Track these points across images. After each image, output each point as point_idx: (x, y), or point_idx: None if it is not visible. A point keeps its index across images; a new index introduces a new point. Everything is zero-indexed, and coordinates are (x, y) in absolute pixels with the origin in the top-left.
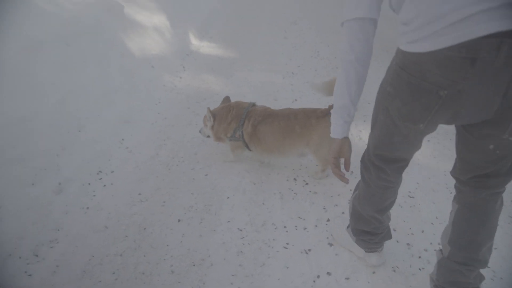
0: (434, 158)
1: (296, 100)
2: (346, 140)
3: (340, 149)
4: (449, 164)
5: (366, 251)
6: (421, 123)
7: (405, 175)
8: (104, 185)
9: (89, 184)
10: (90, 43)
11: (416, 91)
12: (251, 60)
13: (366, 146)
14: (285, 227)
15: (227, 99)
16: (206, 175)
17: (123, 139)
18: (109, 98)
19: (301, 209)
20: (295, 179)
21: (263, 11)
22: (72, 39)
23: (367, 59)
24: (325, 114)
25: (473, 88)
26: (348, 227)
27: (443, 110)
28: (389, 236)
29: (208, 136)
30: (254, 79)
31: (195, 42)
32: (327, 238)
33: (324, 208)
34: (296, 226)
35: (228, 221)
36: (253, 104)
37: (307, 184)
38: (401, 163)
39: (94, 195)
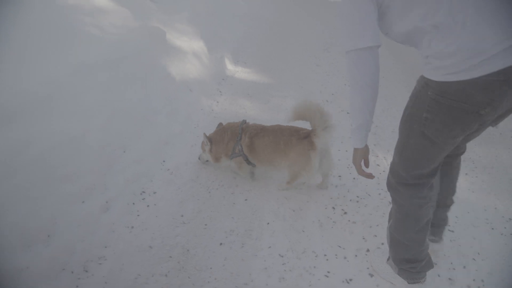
0: (472, 193)
1: None
2: (366, 146)
3: (364, 154)
4: (489, 200)
5: (409, 282)
6: (461, 137)
7: None
8: (148, 206)
9: (133, 203)
10: (133, 67)
11: (457, 113)
12: (285, 86)
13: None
14: (325, 255)
15: (220, 125)
16: (246, 200)
17: (164, 161)
18: (150, 120)
19: (340, 238)
20: (333, 208)
21: (295, 37)
22: (117, 63)
23: (377, 80)
24: (306, 136)
25: (507, 101)
26: (388, 259)
27: (477, 122)
28: (430, 265)
29: (207, 161)
30: (289, 105)
31: (230, 67)
32: (368, 268)
33: (364, 238)
34: (336, 255)
35: (269, 247)
36: (245, 121)
37: (345, 213)
38: (436, 171)
39: (138, 215)
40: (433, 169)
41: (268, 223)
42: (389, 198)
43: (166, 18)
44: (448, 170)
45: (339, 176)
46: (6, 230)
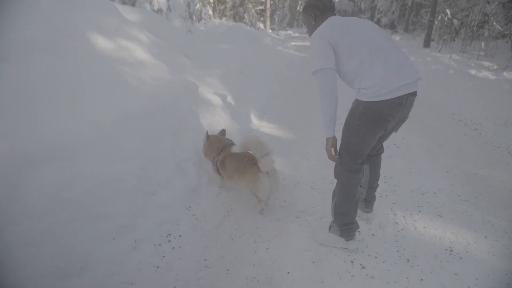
0: (493, 256)
1: None
2: (335, 137)
3: (334, 143)
4: (510, 264)
5: (346, 240)
6: (379, 135)
7: (461, 269)
8: (173, 248)
9: (159, 245)
10: (169, 117)
11: (376, 120)
12: (307, 144)
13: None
14: None
15: (223, 131)
16: (267, 249)
17: (190, 207)
18: (180, 167)
19: None
20: (352, 262)
21: (317, 97)
22: (155, 113)
23: (337, 91)
24: (255, 163)
25: (400, 114)
26: (330, 228)
27: (386, 126)
28: (358, 226)
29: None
30: (310, 162)
31: (255, 121)
32: None
33: None
34: None
35: None
36: (229, 143)
37: (364, 267)
38: (364, 161)
39: (163, 256)
40: (363, 159)
41: (288, 273)
42: (407, 255)
43: (199, 73)
44: (375, 164)
45: (358, 231)
46: (45, 260)
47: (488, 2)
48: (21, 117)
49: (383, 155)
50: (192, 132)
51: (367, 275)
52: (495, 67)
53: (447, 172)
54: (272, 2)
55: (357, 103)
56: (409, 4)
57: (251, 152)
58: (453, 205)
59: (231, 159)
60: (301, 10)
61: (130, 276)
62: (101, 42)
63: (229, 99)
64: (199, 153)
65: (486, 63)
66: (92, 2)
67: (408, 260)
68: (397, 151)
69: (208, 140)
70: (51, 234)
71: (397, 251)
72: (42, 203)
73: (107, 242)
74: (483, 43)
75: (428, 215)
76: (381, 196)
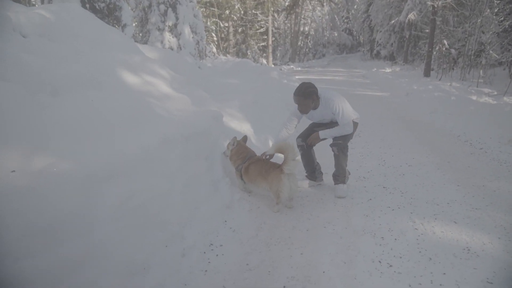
0: (507, 253)
1: (370, 199)
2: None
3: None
4: None
5: (345, 182)
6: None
7: (479, 265)
8: (217, 255)
9: (204, 252)
10: (201, 142)
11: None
12: (323, 165)
13: None
14: None
15: (245, 138)
16: (301, 254)
17: (226, 221)
18: (215, 186)
19: (388, 285)
20: (379, 262)
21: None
22: (188, 138)
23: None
24: (278, 167)
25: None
26: (338, 182)
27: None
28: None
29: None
30: (329, 180)
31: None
32: None
33: (410, 286)
34: None
35: None
36: (252, 155)
37: (391, 266)
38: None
39: (209, 262)
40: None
41: (323, 272)
42: (429, 255)
43: (218, 105)
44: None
45: (382, 237)
46: (115, 262)
47: (483, 32)
48: (76, 141)
49: (396, 173)
50: (221, 156)
51: (394, 271)
52: (495, 93)
53: (458, 185)
54: (274, 39)
55: None
56: (407, 36)
57: (282, 154)
58: (466, 213)
59: (255, 165)
60: (298, 95)
61: (184, 278)
62: (130, 78)
63: (248, 127)
64: (230, 174)
65: (486, 90)
66: (119, 42)
67: (430, 259)
68: (409, 169)
69: (237, 147)
70: (119, 238)
71: (419, 252)
72: (109, 212)
73: (162, 248)
74: (481, 71)
75: (444, 222)
76: (399, 208)
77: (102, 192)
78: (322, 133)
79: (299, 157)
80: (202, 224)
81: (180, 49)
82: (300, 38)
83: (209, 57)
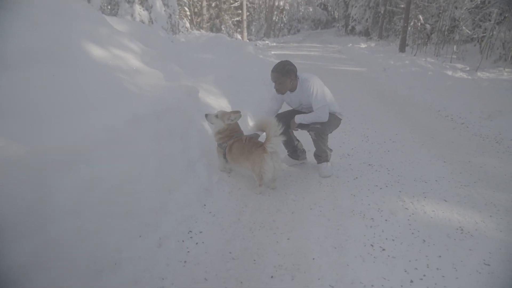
0: (500, 232)
1: (356, 177)
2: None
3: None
4: None
5: (328, 160)
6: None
7: (474, 245)
8: (196, 243)
9: (183, 241)
10: (174, 120)
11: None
12: (306, 142)
13: None
14: (372, 285)
15: (237, 112)
16: (288, 239)
17: (205, 205)
18: (191, 168)
19: (383, 271)
20: (371, 245)
21: None
22: (161, 116)
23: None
24: (260, 145)
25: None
26: (322, 162)
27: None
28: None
29: (212, 123)
30: (313, 159)
31: (251, 123)
32: None
33: (406, 271)
34: (383, 285)
35: (319, 279)
36: (239, 135)
37: (384, 250)
38: None
39: (188, 251)
40: None
41: (313, 259)
42: (422, 236)
43: (193, 80)
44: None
45: (372, 218)
46: (79, 258)
47: (456, 8)
48: (30, 122)
49: (381, 149)
50: (198, 134)
51: (388, 256)
52: (468, 68)
53: (444, 161)
54: (248, 13)
55: None
56: (382, 11)
57: (264, 132)
58: (455, 190)
59: (238, 143)
60: (276, 71)
61: (161, 271)
62: (96, 51)
63: (225, 102)
64: (208, 153)
65: (459, 65)
66: (83, 13)
67: (424, 241)
68: (394, 145)
69: (231, 124)
70: (84, 233)
71: (412, 233)
72: (72, 203)
73: (134, 239)
74: (455, 46)
75: (434, 200)
76: (386, 186)
77: (61, 181)
78: (297, 118)
79: (280, 132)
80: (179, 210)
81: (152, 23)
82: (275, 13)
83: (183, 32)
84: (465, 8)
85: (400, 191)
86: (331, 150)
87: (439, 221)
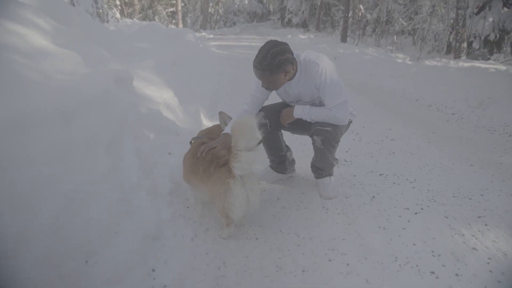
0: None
1: (373, 196)
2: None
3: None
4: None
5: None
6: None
7: None
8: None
9: None
10: (96, 120)
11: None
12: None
13: None
14: None
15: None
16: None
17: (153, 270)
18: (125, 202)
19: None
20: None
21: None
22: (75, 115)
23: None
24: (224, 164)
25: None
26: (324, 176)
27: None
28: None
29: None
30: (303, 172)
31: (206, 122)
32: None
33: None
34: None
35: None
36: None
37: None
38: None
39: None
40: None
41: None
42: None
43: (125, 66)
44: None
45: (432, 272)
46: None
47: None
48: None
49: (383, 151)
50: (135, 142)
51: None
52: (408, 59)
53: (471, 165)
54: (183, 4)
55: None
56: (319, 3)
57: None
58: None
59: (191, 153)
60: (261, 68)
61: None
62: None
63: (171, 94)
64: (152, 173)
65: (400, 55)
66: None
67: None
68: (396, 144)
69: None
70: None
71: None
72: None
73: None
74: (395, 37)
75: (501, 228)
76: (422, 209)
77: None
78: (297, 110)
79: (259, 143)
80: None
81: (73, 5)
82: (211, 4)
83: (112, 22)
84: (400, 2)
85: (446, 217)
86: (337, 160)
87: None
